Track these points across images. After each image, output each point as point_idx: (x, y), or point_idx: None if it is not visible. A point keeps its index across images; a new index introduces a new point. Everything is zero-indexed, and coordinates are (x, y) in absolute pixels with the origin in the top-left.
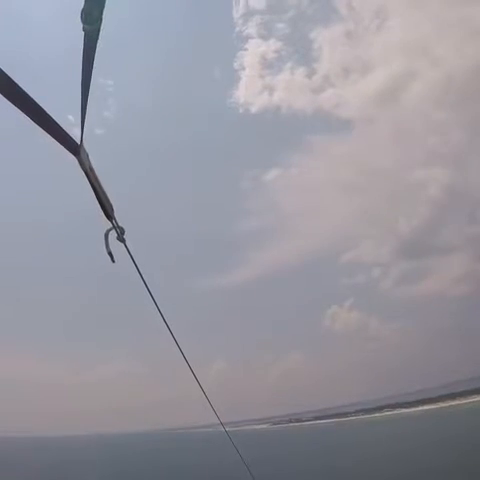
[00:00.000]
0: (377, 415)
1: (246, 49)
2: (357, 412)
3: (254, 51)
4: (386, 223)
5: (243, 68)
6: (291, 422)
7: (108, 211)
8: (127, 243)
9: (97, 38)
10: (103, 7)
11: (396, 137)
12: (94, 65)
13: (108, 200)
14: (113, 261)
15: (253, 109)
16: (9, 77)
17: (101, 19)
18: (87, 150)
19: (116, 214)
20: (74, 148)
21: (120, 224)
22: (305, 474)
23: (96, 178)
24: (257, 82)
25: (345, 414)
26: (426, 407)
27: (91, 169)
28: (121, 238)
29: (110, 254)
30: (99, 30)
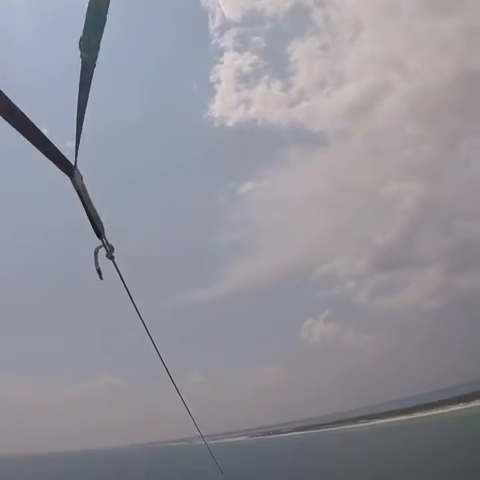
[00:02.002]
0: (353, 426)
1: (222, 62)
2: (334, 423)
3: (230, 64)
4: (361, 236)
5: (219, 81)
6: (269, 434)
7: (99, 229)
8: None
9: (94, 66)
10: (101, 36)
11: (371, 150)
12: (90, 92)
13: (99, 219)
14: (101, 278)
15: (229, 122)
16: (6, 96)
17: (99, 47)
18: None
19: (106, 233)
20: (68, 169)
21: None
22: None
23: (88, 197)
24: (233, 95)
25: (322, 425)
26: (401, 418)
27: (83, 189)
28: (110, 256)
29: (98, 271)
30: (96, 58)
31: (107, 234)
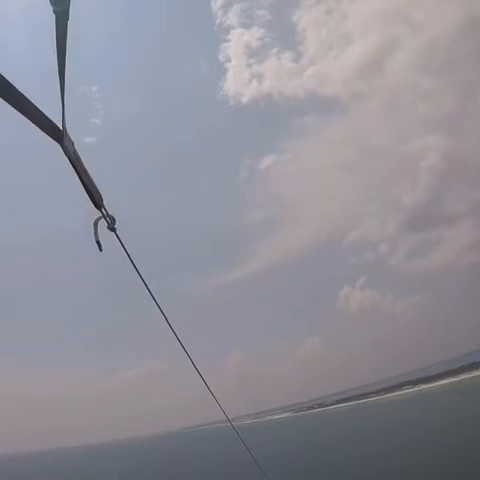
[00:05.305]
0: (399, 393)
1: (229, 40)
2: (378, 392)
3: (238, 41)
4: (389, 198)
5: (229, 59)
6: (313, 408)
7: (96, 200)
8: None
9: (67, 20)
10: None
11: (388, 109)
12: (67, 47)
13: (96, 189)
14: (101, 250)
15: (244, 99)
16: None
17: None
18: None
19: (106, 203)
20: (57, 135)
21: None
22: (331, 462)
23: (82, 165)
24: (245, 72)
25: (366, 394)
26: (447, 381)
27: (76, 156)
28: (112, 227)
29: (98, 243)
30: (68, 11)
31: (107, 205)
